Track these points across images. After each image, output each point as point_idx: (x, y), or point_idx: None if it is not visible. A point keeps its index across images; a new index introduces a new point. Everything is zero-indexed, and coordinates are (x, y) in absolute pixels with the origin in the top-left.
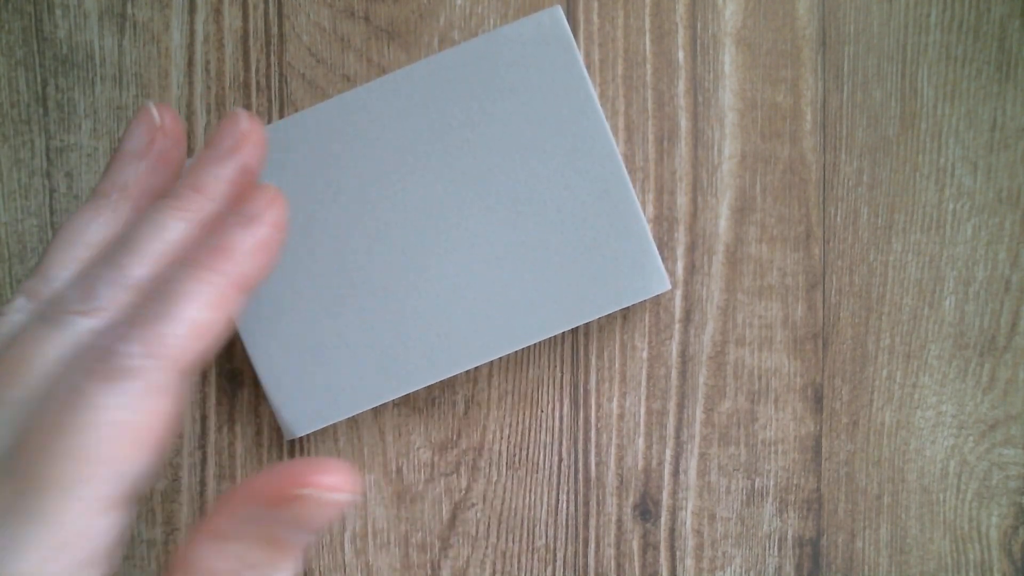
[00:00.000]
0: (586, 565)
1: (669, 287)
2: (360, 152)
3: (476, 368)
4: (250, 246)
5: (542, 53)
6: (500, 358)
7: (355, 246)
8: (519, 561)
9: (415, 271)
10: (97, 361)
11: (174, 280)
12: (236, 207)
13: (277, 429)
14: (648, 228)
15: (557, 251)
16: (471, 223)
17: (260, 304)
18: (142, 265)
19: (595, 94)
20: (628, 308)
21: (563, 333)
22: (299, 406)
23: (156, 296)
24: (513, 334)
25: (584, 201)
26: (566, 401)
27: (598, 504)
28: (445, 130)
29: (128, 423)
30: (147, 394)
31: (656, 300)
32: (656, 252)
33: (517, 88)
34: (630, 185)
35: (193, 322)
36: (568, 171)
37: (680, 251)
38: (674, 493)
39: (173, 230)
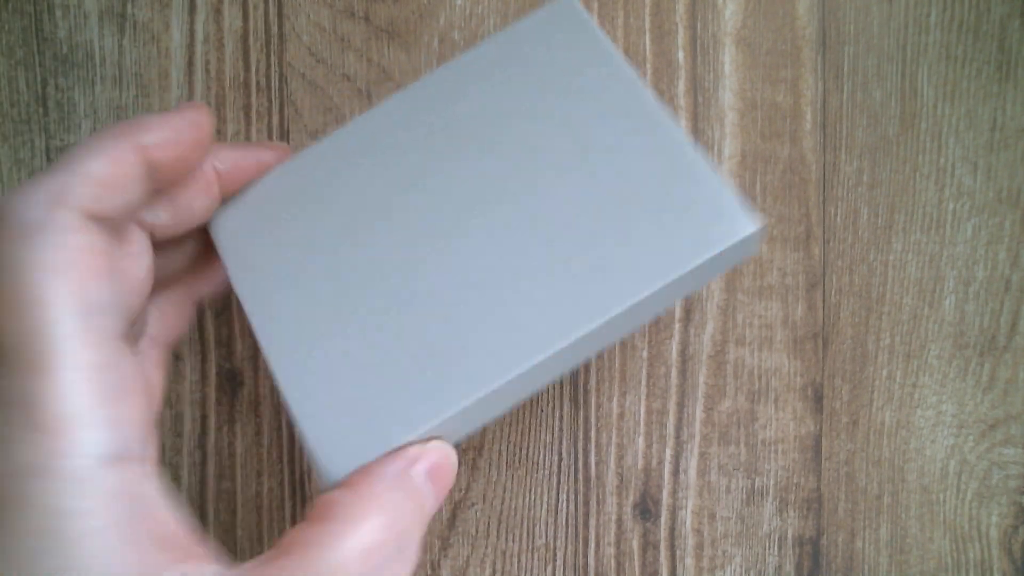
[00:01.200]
0: (586, 564)
1: (757, 228)
2: (390, 173)
3: None
4: (160, 122)
5: (562, 37)
6: None
7: (393, 264)
8: (519, 560)
9: (461, 269)
10: (6, 227)
11: (78, 145)
12: None
13: (277, 429)
14: (717, 171)
15: (626, 222)
16: (523, 212)
17: (292, 340)
18: None
19: (624, 59)
20: None
21: None
22: (341, 444)
23: (61, 158)
24: (574, 318)
25: (641, 163)
26: (566, 401)
27: (598, 503)
28: (481, 129)
29: (61, 262)
30: (66, 234)
31: None
32: (733, 193)
33: (543, 75)
34: (685, 135)
35: (92, 174)
36: (617, 138)
37: None
38: (674, 492)
39: None
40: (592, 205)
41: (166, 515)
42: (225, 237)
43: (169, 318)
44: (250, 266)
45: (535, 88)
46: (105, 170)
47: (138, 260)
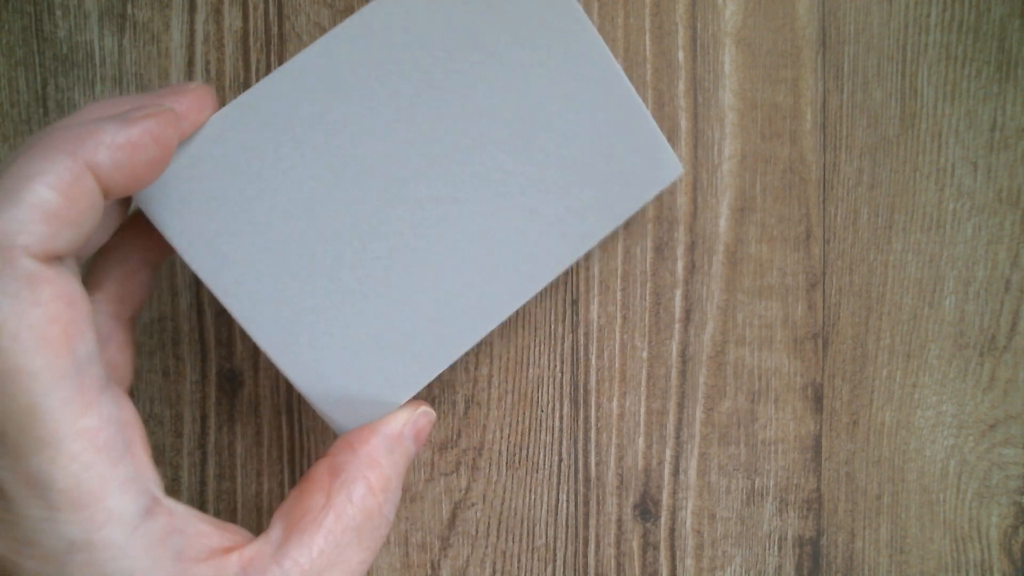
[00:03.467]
0: (586, 565)
1: (682, 170)
2: (338, 120)
3: (476, 368)
4: (117, 139)
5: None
6: (500, 359)
7: (360, 216)
8: (519, 561)
9: (433, 225)
10: None
11: (20, 162)
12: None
13: (277, 429)
14: (651, 118)
15: (567, 167)
16: (479, 160)
17: (272, 312)
18: None
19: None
20: (628, 307)
21: (563, 332)
22: (345, 408)
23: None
24: (546, 263)
25: (585, 108)
26: (566, 401)
27: (598, 504)
28: (435, 76)
29: (38, 321)
30: (35, 286)
31: (656, 299)
32: (664, 138)
33: (500, 20)
34: (626, 79)
35: (43, 206)
36: (563, 84)
37: (680, 251)
38: (674, 493)
39: None
40: (543, 154)
41: (197, 527)
42: (160, 211)
43: (124, 292)
44: (200, 238)
45: (492, 34)
46: (57, 201)
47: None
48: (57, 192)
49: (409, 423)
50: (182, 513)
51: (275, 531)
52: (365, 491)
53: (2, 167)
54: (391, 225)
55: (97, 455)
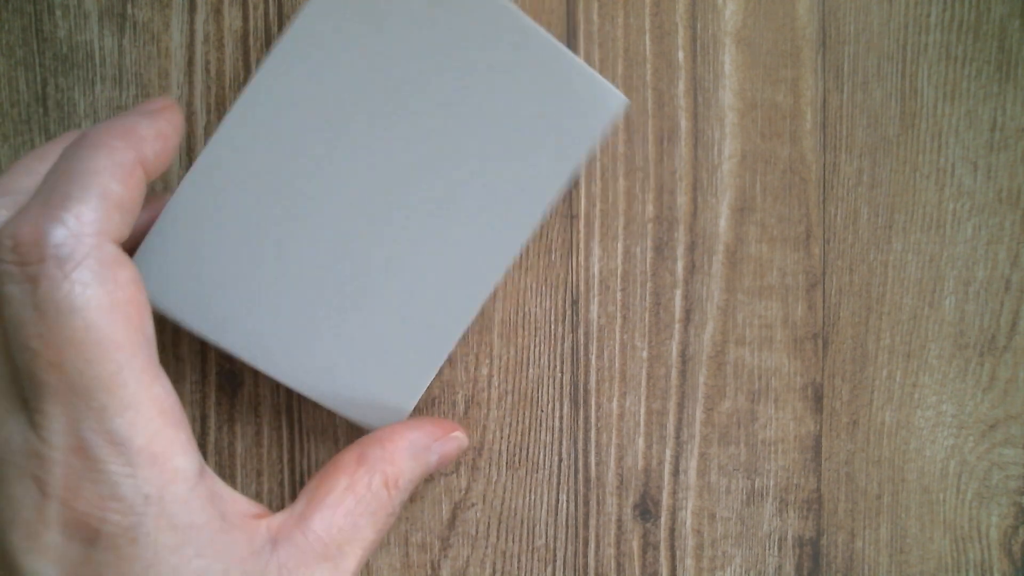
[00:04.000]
0: (586, 565)
1: (625, 100)
2: (286, 153)
3: (476, 368)
4: (151, 132)
5: None
6: (500, 359)
7: (334, 237)
8: (519, 561)
9: (404, 224)
10: (50, 261)
11: (80, 158)
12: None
13: (277, 429)
14: (581, 60)
15: (514, 134)
16: (430, 156)
17: (283, 341)
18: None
19: None
20: (628, 307)
21: (563, 332)
22: (373, 407)
23: (65, 176)
24: (518, 227)
25: (517, 73)
26: (566, 401)
27: (598, 504)
28: (366, 84)
29: (120, 301)
30: (115, 269)
31: (656, 299)
32: (596, 74)
33: (417, 19)
34: (544, 31)
35: (114, 198)
36: (490, 58)
37: (680, 251)
38: (674, 493)
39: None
40: (489, 130)
41: (231, 494)
42: (148, 285)
43: None
44: (191, 300)
45: (416, 37)
46: (122, 191)
47: None
48: (121, 183)
49: (440, 441)
50: (219, 480)
51: (300, 504)
52: (381, 483)
53: (56, 166)
54: (366, 237)
55: (164, 420)
